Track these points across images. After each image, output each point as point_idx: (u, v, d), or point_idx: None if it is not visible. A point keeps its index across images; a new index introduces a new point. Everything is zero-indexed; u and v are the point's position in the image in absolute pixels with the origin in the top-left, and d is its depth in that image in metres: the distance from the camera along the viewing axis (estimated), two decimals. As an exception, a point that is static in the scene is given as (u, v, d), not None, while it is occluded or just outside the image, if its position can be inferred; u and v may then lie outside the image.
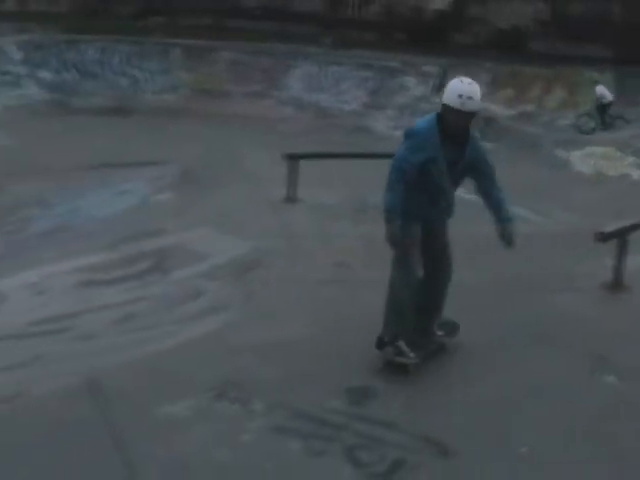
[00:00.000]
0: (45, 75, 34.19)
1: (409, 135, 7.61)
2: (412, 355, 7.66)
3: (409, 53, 35.22)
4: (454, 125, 7.45)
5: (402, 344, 7.66)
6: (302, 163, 15.64)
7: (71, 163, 18.94)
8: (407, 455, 6.37)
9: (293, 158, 15.79)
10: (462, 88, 7.41)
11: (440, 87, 32.17)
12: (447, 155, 7.48)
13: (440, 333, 8.24)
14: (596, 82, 32.00)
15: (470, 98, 7.34)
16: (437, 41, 35.77)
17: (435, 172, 7.49)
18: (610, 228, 10.47)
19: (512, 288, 10.34)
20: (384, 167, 7.73)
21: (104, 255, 11.76)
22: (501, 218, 7.67)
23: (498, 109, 32.05)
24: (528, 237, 13.09)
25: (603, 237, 10.28)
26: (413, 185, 7.44)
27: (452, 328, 8.33)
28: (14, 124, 25.52)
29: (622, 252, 10.63)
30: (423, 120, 7.74)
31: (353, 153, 19.47)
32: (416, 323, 7.85)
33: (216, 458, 6.27)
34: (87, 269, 11.21)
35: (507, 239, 7.66)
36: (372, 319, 7.88)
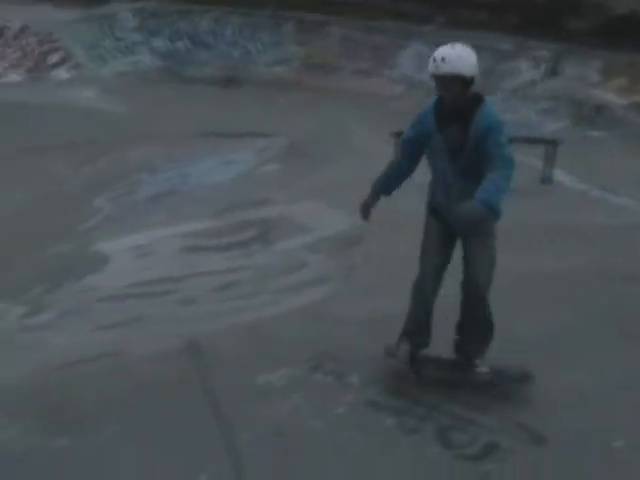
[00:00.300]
0: (158, 43, 34.49)
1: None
2: (398, 353, 7.07)
3: (522, 36, 34.69)
4: (446, 100, 6.65)
5: (398, 346, 7.12)
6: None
7: (182, 131, 19.16)
8: (499, 439, 6.36)
9: (401, 136, 15.75)
10: (437, 51, 6.54)
11: (552, 72, 31.68)
12: (449, 138, 6.68)
13: (484, 370, 7.12)
14: None
15: (443, 60, 6.42)
16: (551, 25, 35.21)
17: (428, 151, 6.89)
18: None
19: (612, 278, 10.11)
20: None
21: (210, 222, 11.94)
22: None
23: (610, 97, 31.48)
24: (636, 228, 12.89)
25: None
26: (430, 170, 7.07)
27: (512, 377, 7.18)
28: (127, 90, 25.84)
29: None
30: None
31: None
32: (457, 344, 7.23)
33: (311, 428, 6.37)
34: (193, 235, 11.41)
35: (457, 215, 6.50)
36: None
